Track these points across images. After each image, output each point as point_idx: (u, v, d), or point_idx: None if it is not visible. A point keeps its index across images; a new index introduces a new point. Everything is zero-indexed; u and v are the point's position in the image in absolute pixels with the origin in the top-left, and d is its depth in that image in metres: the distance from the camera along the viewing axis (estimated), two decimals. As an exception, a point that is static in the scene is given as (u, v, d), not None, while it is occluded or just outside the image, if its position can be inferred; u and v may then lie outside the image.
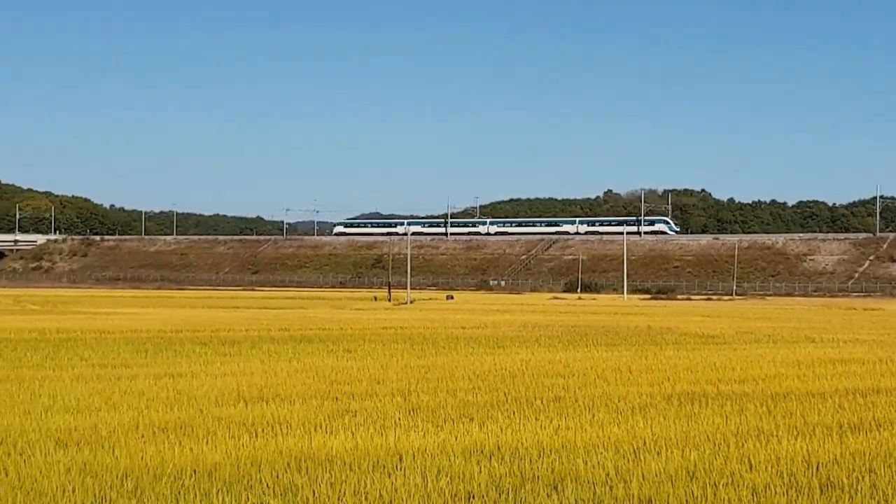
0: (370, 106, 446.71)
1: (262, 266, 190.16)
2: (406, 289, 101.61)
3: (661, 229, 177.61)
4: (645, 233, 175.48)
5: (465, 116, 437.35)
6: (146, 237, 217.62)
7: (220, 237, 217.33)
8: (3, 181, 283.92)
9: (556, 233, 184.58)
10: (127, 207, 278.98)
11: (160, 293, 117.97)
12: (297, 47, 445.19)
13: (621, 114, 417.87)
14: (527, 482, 10.65)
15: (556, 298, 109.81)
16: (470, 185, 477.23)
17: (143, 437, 12.87)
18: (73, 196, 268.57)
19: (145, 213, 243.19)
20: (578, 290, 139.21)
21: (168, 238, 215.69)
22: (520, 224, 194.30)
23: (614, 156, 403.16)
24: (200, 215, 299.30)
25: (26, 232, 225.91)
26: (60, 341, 31.16)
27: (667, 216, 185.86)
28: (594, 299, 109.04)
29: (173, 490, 10.06)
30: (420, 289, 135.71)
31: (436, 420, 14.60)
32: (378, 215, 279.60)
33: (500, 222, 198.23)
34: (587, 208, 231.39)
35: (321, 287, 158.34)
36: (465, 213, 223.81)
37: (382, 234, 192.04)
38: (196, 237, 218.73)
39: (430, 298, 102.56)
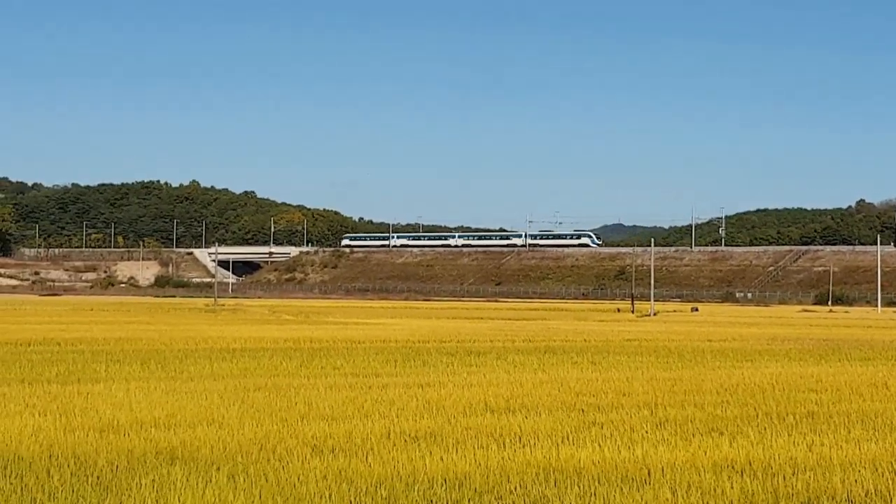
0: (615, 115, 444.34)
1: (505, 277, 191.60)
2: (650, 300, 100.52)
3: (586, 242, 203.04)
4: (572, 246, 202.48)
5: (712, 126, 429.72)
6: (393, 249, 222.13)
7: (465, 249, 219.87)
8: (259, 195, 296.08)
9: (508, 245, 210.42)
10: (375, 220, 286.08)
11: (407, 304, 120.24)
12: (550, 56, 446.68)
13: (876, 122, 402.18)
14: (780, 499, 10.40)
15: (806, 311, 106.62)
16: (716, 196, 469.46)
17: (394, 445, 13.13)
18: (324, 209, 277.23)
19: (392, 225, 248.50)
20: (829, 302, 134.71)
21: (414, 250, 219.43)
22: (480, 237, 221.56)
23: (868, 164, 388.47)
24: (445, 227, 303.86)
25: (280, 244, 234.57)
26: (314, 350, 32.11)
27: (591, 233, 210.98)
28: (846, 312, 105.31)
29: (425, 498, 10.24)
30: (664, 300, 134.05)
31: (684, 434, 14.40)
32: (620, 227, 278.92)
33: (465, 236, 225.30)
34: (838, 219, 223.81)
35: (564, 298, 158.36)
36: (709, 224, 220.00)
37: (377, 247, 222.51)
38: (441, 249, 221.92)
39: (675, 310, 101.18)
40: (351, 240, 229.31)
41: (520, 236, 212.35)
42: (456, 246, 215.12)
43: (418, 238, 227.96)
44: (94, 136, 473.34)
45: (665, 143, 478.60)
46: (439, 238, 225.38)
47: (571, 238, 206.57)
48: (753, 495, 10.52)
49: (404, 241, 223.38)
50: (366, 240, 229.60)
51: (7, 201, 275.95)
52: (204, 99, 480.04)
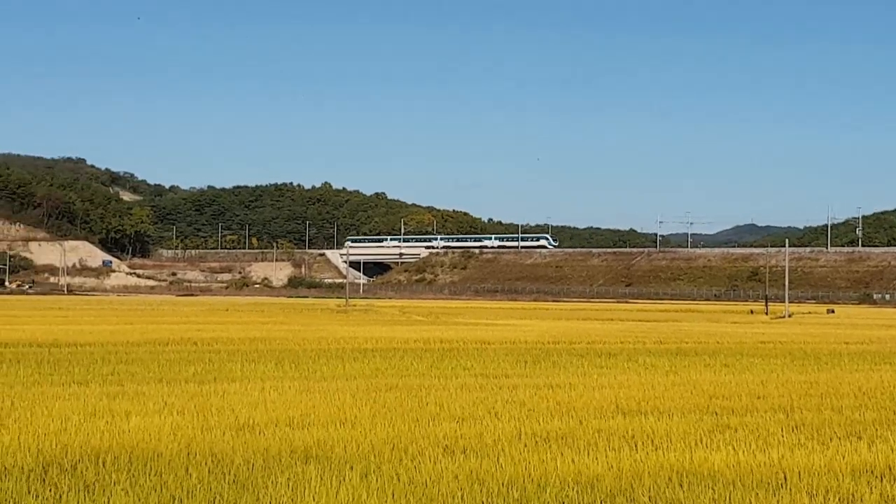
0: (748, 115, 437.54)
1: (635, 278, 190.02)
2: (784, 302, 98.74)
3: (543, 244, 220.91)
4: (532, 247, 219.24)
5: (848, 125, 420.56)
6: (522, 250, 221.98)
7: (594, 250, 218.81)
8: (390, 197, 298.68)
9: (479, 247, 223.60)
10: (504, 221, 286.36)
11: (536, 305, 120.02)
12: (682, 59, 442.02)
13: None
14: (922, 507, 10.14)
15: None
16: (852, 195, 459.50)
17: (525, 446, 13.11)
18: (453, 210, 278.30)
19: (521, 226, 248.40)
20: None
21: (544, 251, 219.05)
22: (458, 240, 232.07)
23: None
24: (575, 228, 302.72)
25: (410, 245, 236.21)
26: (444, 351, 32.23)
27: (547, 236, 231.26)
28: None
29: (557, 500, 10.22)
30: (798, 302, 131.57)
31: (821, 438, 14.13)
32: (753, 227, 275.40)
33: (448, 238, 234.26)
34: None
35: (695, 300, 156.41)
36: (846, 224, 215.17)
37: (373, 248, 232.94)
38: (570, 250, 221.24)
39: (809, 312, 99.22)
40: (353, 242, 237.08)
41: (489, 238, 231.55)
42: (436, 248, 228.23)
43: (407, 241, 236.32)
44: (229, 139, 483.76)
45: (799, 142, 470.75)
46: (420, 241, 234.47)
47: (531, 241, 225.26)
48: (892, 500, 10.28)
49: (396, 243, 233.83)
50: (364, 242, 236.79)
51: (145, 204, 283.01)
52: (336, 102, 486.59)
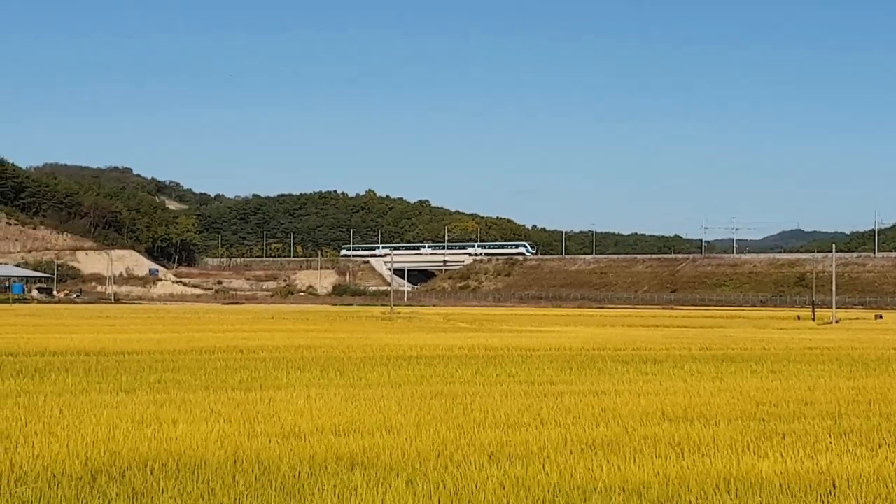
0: (793, 120, 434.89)
1: (680, 285, 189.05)
2: (831, 308, 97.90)
3: (521, 251, 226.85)
4: (510, 255, 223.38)
5: (892, 130, 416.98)
6: (566, 257, 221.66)
7: (639, 256, 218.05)
8: (433, 204, 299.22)
9: (469, 255, 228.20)
10: (548, 228, 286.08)
11: (581, 311, 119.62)
12: (723, 63, 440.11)
13: None
14: (974, 514, 10.03)
15: None
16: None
17: (571, 453, 13.08)
18: (497, 217, 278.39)
19: (565, 232, 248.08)
20: None
21: (588, 257, 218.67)
22: (448, 247, 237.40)
23: None
24: (619, 234, 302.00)
25: (455, 252, 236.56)
26: (488, 358, 32.16)
27: (526, 243, 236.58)
28: None
29: (603, 507, 10.19)
30: (845, 308, 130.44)
31: (870, 444, 14.01)
32: (800, 232, 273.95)
33: (436, 246, 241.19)
34: None
35: (741, 306, 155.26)
36: (893, 229, 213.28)
37: (365, 257, 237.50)
38: (615, 256, 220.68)
39: (857, 318, 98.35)
40: (349, 250, 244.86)
41: (472, 246, 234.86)
42: (425, 255, 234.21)
43: (398, 249, 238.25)
44: (274, 148, 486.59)
45: (846, 147, 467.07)
46: (411, 249, 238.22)
47: (510, 248, 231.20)
48: (945, 509, 10.17)
49: (387, 252, 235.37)
50: (359, 251, 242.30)
51: (191, 212, 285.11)
52: (379, 110, 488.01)
